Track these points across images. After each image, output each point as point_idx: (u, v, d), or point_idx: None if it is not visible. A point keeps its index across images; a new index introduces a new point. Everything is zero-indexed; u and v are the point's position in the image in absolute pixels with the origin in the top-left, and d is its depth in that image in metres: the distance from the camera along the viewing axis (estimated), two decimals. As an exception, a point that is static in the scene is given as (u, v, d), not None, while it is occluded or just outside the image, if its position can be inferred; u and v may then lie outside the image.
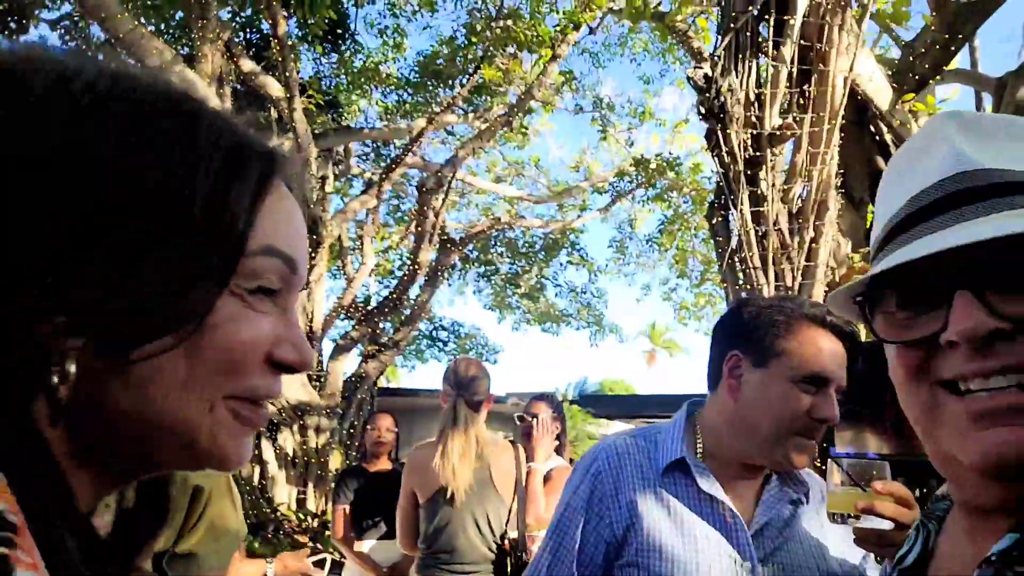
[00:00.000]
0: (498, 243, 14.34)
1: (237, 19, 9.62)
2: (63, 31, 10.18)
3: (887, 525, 0.99)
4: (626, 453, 1.21)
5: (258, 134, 0.48)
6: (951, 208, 0.53)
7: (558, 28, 8.86)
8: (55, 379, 0.37)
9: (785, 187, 4.89)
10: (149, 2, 9.14)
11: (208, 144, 0.43)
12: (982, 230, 0.50)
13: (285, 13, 7.94)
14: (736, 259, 5.07)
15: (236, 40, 8.59)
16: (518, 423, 2.78)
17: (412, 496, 2.70)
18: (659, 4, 7.06)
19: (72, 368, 0.38)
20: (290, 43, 7.07)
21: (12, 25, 9.89)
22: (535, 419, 2.66)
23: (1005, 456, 0.49)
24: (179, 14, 9.10)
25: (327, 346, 9.64)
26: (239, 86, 8.84)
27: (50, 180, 0.38)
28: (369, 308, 10.14)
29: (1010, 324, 0.50)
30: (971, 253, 0.50)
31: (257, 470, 8.07)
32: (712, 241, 6.08)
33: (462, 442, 2.50)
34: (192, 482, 1.22)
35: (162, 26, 9.74)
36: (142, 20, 8.51)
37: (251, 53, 9.05)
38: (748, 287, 5.25)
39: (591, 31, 9.79)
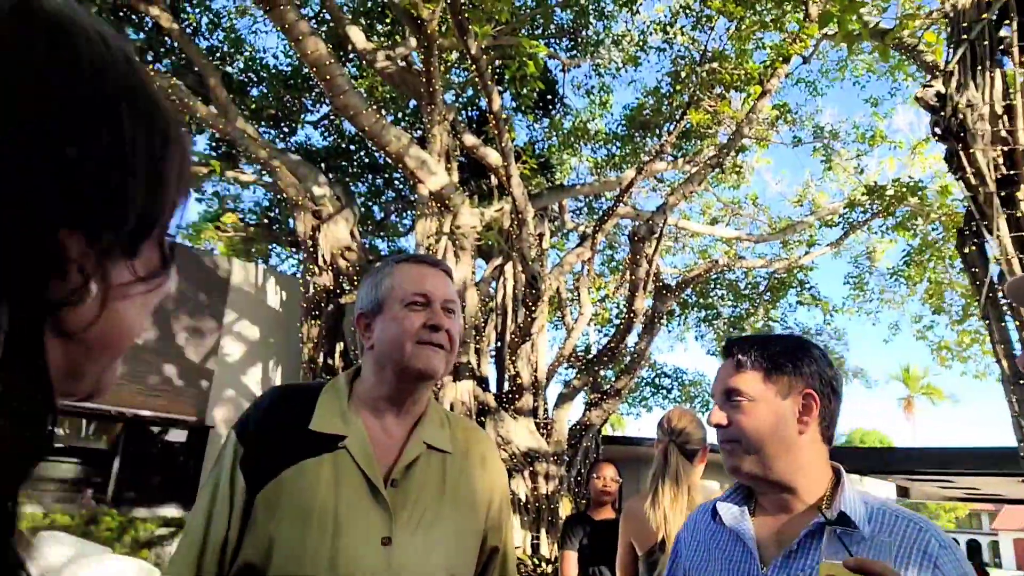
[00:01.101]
0: (718, 286, 13.88)
1: (460, 100, 10.69)
2: (322, 129, 12.07)
3: None
4: (699, 512, 1.41)
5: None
6: None
7: (766, 64, 8.58)
8: None
9: (1056, 206, 4.25)
10: (388, 96, 10.53)
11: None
12: None
13: (500, 89, 8.68)
14: (998, 291, 4.47)
15: (460, 119, 9.53)
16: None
17: (630, 547, 2.64)
18: (878, 23, 6.56)
19: None
20: (504, 116, 7.68)
21: (284, 128, 11.97)
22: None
23: None
24: (412, 102, 10.35)
25: (552, 394, 9.99)
26: (463, 159, 9.77)
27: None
28: (589, 357, 10.35)
29: None
30: None
31: (492, 515, 8.49)
32: (967, 273, 5.40)
33: (673, 489, 2.41)
34: None
35: (399, 115, 11.14)
36: (382, 112, 9.83)
37: (472, 128, 9.98)
38: (1018, 323, 4.57)
39: (804, 60, 9.33)
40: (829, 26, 6.07)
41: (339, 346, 9.45)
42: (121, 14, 9.39)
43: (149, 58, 9.57)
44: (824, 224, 12.86)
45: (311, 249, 8.88)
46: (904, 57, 8.66)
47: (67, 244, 0.40)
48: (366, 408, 1.29)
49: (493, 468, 1.40)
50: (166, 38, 9.30)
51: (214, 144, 11.01)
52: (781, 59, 8.15)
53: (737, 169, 11.97)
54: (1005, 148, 4.41)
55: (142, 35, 9.77)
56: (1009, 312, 4.66)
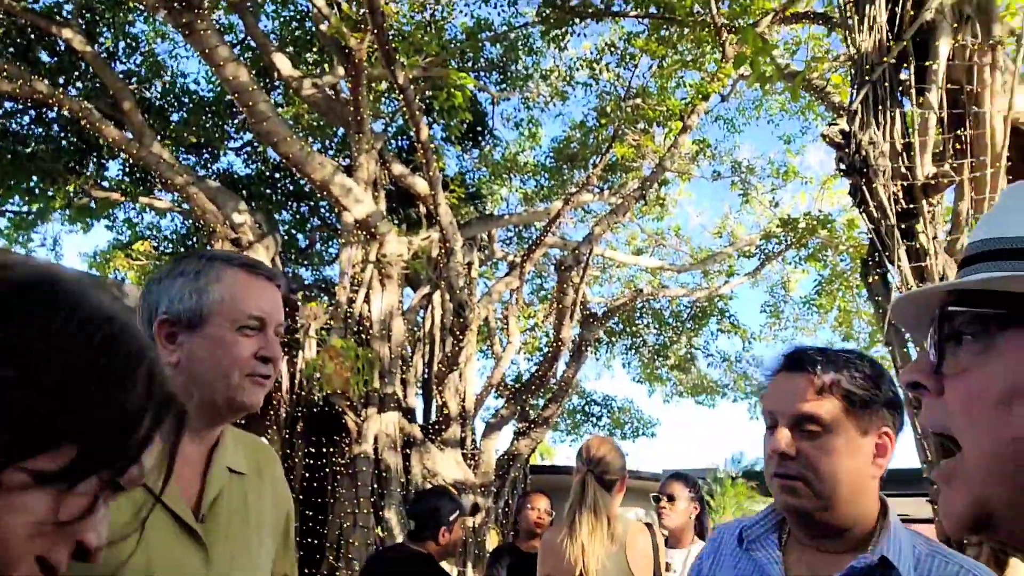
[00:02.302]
0: (643, 314, 14.17)
1: (389, 129, 10.64)
2: (245, 156, 11.75)
3: None
4: (726, 532, 1.24)
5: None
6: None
7: (687, 101, 8.93)
8: None
9: (951, 238, 4.53)
10: (315, 124, 10.38)
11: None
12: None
13: (429, 119, 8.68)
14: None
15: (388, 148, 9.47)
16: (653, 503, 2.69)
17: None
18: (789, 65, 6.96)
19: None
20: (433, 146, 7.69)
21: (206, 155, 11.59)
22: (671, 502, 2.57)
23: None
24: (340, 131, 10.23)
25: (479, 425, 9.88)
26: (391, 187, 9.68)
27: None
28: (518, 386, 10.32)
29: (920, 389, 0.54)
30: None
31: (418, 551, 8.25)
32: (872, 301, 5.69)
33: (591, 520, 2.36)
34: None
35: (326, 143, 10.97)
36: (309, 139, 9.66)
37: (402, 157, 9.93)
38: (919, 349, 4.81)
39: (723, 99, 9.76)
40: (743, 67, 6.38)
41: (259, 378, 9.09)
42: (32, 36, 8.94)
43: (60, 82, 9.10)
44: (742, 255, 13.37)
45: (230, 278, 8.56)
46: (814, 98, 9.19)
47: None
48: None
49: (283, 485, 1.28)
50: (80, 61, 8.89)
51: (127, 170, 10.54)
52: (701, 97, 8.51)
53: (660, 201, 12.33)
54: (905, 183, 4.66)
55: (55, 59, 9.32)
56: (910, 339, 4.90)
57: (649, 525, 2.56)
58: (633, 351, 14.84)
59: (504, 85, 11.19)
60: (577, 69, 10.67)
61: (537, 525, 3.72)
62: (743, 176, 12.83)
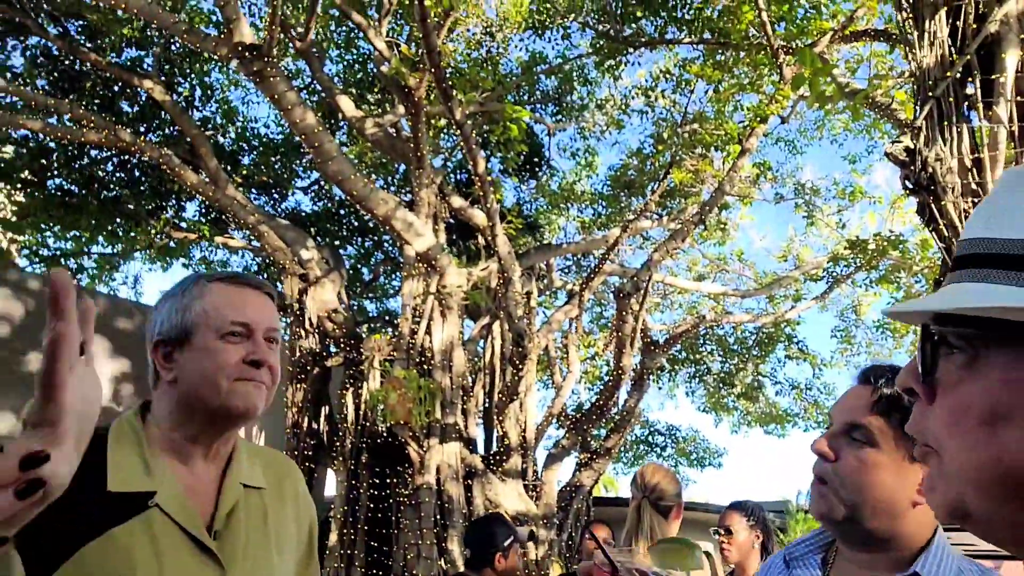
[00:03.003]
0: (707, 341, 13.88)
1: (448, 163, 10.90)
2: (312, 194, 12.23)
3: None
4: (777, 555, 1.24)
5: None
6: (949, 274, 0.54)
7: (745, 124, 8.84)
8: None
9: (1031, 255, 4.32)
10: (378, 161, 10.74)
11: None
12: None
13: (486, 152, 8.86)
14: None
15: (448, 182, 9.70)
16: (714, 536, 2.62)
17: None
18: (848, 84, 6.81)
19: None
20: (491, 178, 7.83)
21: (275, 195, 12.11)
22: (729, 534, 2.50)
23: None
24: (401, 167, 10.54)
25: (541, 455, 9.82)
26: (451, 220, 9.89)
27: None
28: (578, 416, 10.24)
29: (915, 395, 0.53)
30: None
31: (482, 583, 8.21)
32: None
33: (648, 547, 2.39)
34: None
35: (388, 179, 11.32)
36: (372, 176, 9.99)
37: (460, 191, 10.15)
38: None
39: (783, 120, 9.61)
40: (802, 88, 6.29)
41: (324, 410, 9.32)
42: (116, 88, 9.62)
43: (142, 130, 9.74)
44: (809, 279, 12.98)
45: (298, 312, 8.87)
46: (879, 116, 8.94)
47: None
48: (168, 452, 1.10)
49: (306, 498, 1.27)
50: (160, 110, 9.51)
51: (204, 211, 11.12)
52: (759, 119, 8.41)
53: (721, 226, 12.15)
54: (976, 200, 4.49)
55: (136, 108, 9.99)
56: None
57: (708, 554, 2.51)
58: (697, 379, 14.52)
59: (560, 116, 11.33)
60: (632, 97, 10.73)
61: None
62: (807, 198, 12.53)
